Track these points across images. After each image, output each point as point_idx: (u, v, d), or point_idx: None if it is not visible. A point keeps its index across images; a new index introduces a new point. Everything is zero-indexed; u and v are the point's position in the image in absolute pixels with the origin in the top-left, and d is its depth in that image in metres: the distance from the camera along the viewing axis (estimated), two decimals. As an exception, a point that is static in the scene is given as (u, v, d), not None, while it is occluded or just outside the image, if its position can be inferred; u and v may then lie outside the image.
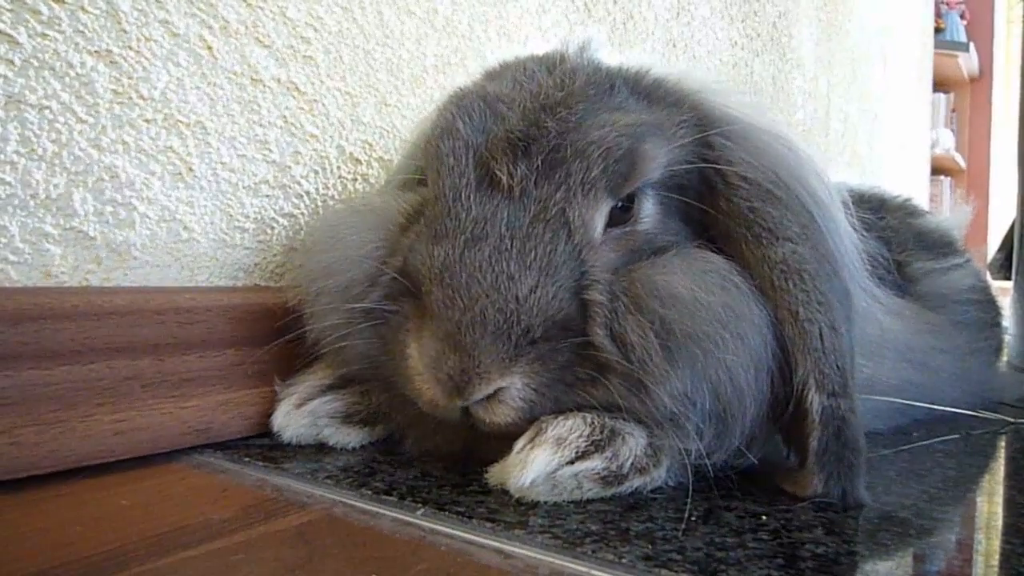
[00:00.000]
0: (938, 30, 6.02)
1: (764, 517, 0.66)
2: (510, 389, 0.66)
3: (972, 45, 6.37)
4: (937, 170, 6.09)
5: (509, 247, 0.67)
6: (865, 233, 0.82)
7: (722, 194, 0.74)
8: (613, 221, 0.72)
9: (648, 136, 0.71)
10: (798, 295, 0.69)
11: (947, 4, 6.52)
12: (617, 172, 0.70)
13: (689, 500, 0.68)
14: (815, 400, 0.68)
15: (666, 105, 0.77)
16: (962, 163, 6.59)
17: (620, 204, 0.72)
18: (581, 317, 0.68)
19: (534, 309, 0.66)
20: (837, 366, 0.68)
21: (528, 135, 0.70)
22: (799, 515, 0.67)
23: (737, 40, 2.15)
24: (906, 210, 1.37)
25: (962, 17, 6.59)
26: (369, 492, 0.69)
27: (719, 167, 0.74)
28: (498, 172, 0.70)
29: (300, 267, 0.82)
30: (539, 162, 0.70)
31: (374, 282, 0.75)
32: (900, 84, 4.19)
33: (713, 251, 0.72)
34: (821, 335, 0.68)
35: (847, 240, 0.78)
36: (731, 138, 0.76)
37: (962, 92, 6.83)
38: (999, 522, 0.73)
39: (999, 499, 0.81)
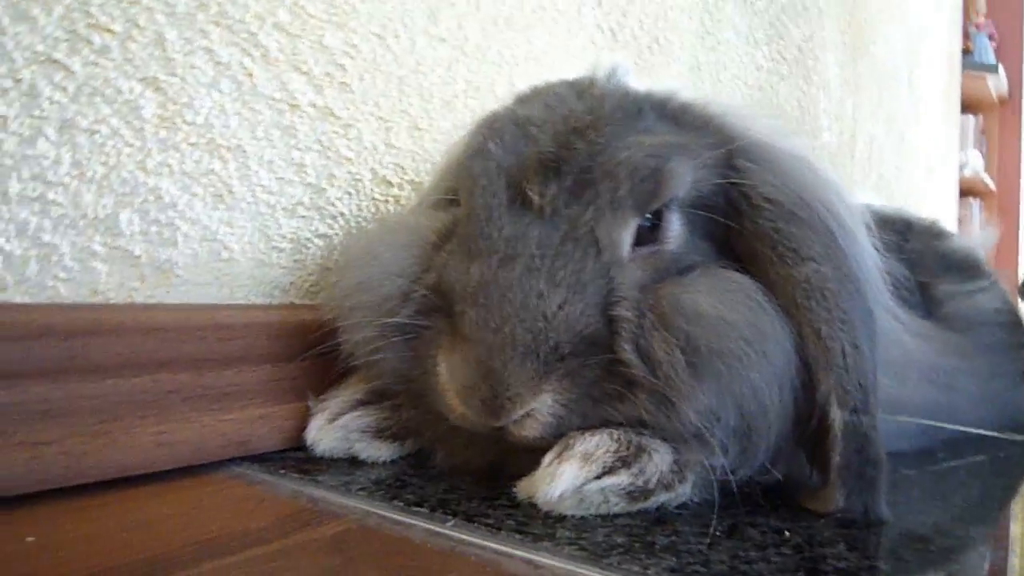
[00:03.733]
0: (966, 52, 5.99)
1: (787, 533, 0.67)
2: (540, 406, 0.68)
3: (1001, 66, 6.33)
4: (966, 192, 6.03)
5: (539, 265, 0.69)
6: (888, 255, 0.83)
7: (746, 215, 0.76)
8: (641, 240, 0.74)
9: (674, 156, 0.73)
10: (821, 313, 0.70)
11: (976, 26, 6.49)
12: (644, 190, 0.72)
13: (714, 515, 0.69)
14: (837, 416, 0.69)
15: (692, 128, 0.79)
16: (992, 185, 6.52)
17: (648, 223, 0.74)
18: (609, 333, 0.69)
19: (562, 326, 0.68)
20: (859, 383, 0.69)
21: (559, 156, 0.73)
22: (822, 531, 0.68)
23: (762, 64, 2.16)
24: (931, 232, 1.37)
25: (991, 38, 6.55)
26: (401, 504, 0.71)
27: (744, 188, 0.76)
28: (529, 192, 0.72)
29: (335, 283, 0.85)
30: (569, 182, 0.72)
31: (407, 298, 0.77)
32: (927, 106, 4.17)
33: (737, 270, 0.74)
34: (843, 352, 0.69)
35: (869, 261, 0.79)
36: (756, 160, 0.77)
37: (991, 113, 6.76)
38: (1025, 542, 0.73)
39: (1026, 520, 0.81)
